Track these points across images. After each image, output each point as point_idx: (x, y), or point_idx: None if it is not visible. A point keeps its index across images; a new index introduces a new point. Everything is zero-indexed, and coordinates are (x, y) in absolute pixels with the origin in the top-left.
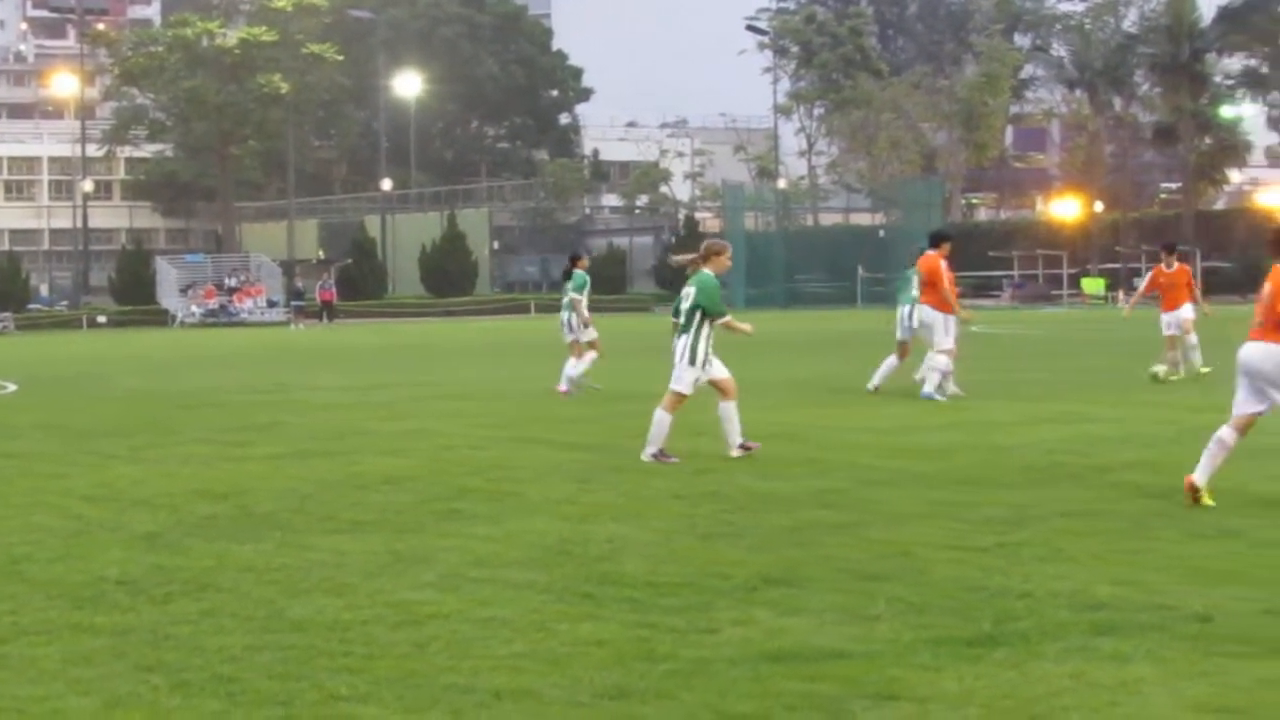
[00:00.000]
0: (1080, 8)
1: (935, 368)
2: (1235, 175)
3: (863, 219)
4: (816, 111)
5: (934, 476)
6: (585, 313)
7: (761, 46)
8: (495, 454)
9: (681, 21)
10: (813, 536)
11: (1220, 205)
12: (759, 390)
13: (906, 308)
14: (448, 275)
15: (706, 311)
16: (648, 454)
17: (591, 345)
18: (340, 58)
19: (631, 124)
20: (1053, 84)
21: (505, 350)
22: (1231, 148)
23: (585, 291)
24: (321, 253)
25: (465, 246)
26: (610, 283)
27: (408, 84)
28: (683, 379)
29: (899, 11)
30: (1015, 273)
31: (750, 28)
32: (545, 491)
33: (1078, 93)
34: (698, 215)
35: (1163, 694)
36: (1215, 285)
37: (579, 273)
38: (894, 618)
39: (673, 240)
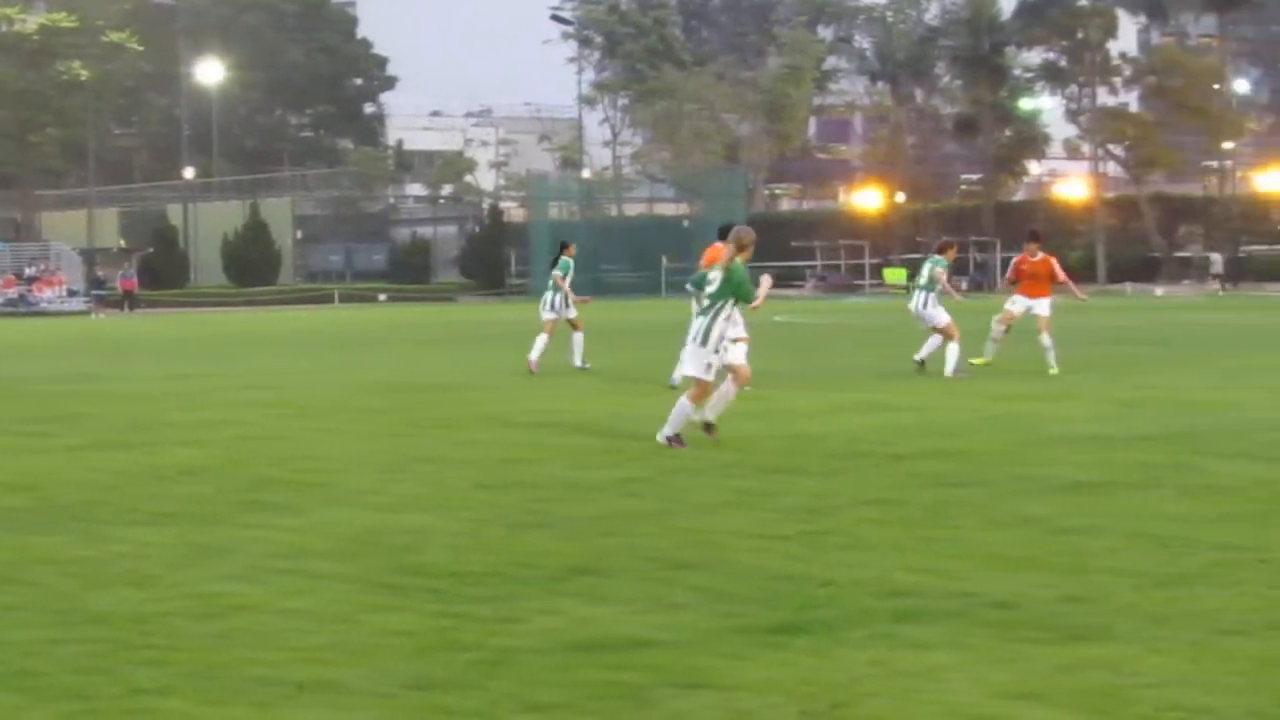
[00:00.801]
0: (883, 0)
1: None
2: (1034, 167)
3: (667, 209)
4: (621, 102)
5: (738, 465)
6: (567, 289)
7: (566, 36)
8: (298, 444)
9: (487, 10)
10: (618, 526)
11: (1020, 197)
12: (563, 380)
13: (920, 295)
14: (250, 265)
15: (739, 299)
16: (663, 435)
17: (573, 324)
18: (140, 48)
19: (436, 113)
20: (856, 76)
21: (308, 341)
22: (1031, 140)
23: (569, 274)
24: (123, 241)
25: (268, 236)
26: (414, 273)
27: (210, 71)
28: (696, 361)
29: (703, 2)
30: (818, 263)
31: (555, 18)
32: (350, 482)
33: (880, 85)
34: (502, 205)
35: (964, 680)
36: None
37: (565, 258)
38: (699, 606)
39: (477, 230)
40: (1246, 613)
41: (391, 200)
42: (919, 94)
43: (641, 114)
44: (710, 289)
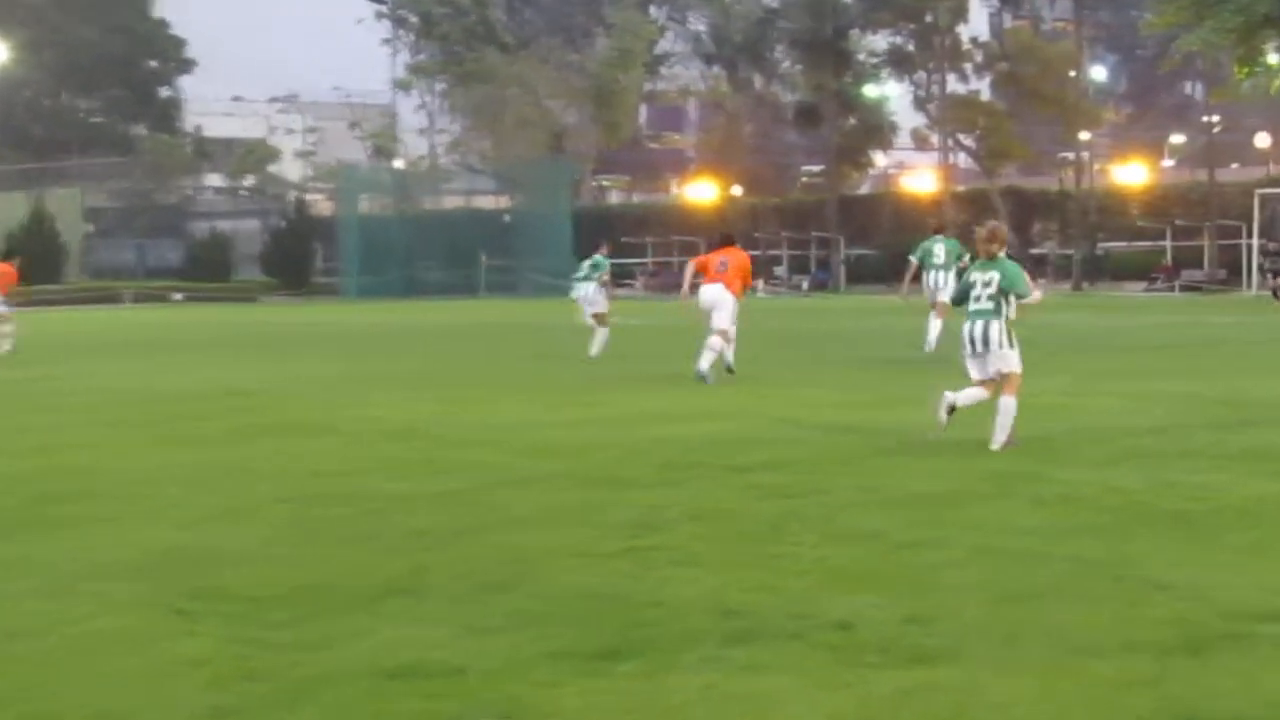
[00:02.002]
0: None
1: (712, 348)
2: (880, 158)
3: (486, 202)
4: (438, 87)
5: (563, 477)
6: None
7: (379, 16)
8: (92, 455)
9: None
10: (431, 543)
11: (865, 190)
12: (374, 386)
13: (933, 274)
14: (33, 261)
15: (1018, 294)
16: (1000, 443)
17: (600, 319)
18: None
19: (238, 98)
20: (690, 60)
21: (99, 344)
22: (876, 130)
23: (604, 270)
24: None
25: (54, 229)
26: (212, 270)
27: None
28: (1015, 360)
29: None
30: (649, 260)
31: None
32: (147, 495)
33: (716, 69)
34: (309, 197)
35: (801, 705)
36: (859, 274)
37: (600, 257)
38: (517, 629)
39: (281, 224)
40: (1101, 631)
41: (189, 192)
42: (757, 80)
43: (460, 100)
44: (988, 290)
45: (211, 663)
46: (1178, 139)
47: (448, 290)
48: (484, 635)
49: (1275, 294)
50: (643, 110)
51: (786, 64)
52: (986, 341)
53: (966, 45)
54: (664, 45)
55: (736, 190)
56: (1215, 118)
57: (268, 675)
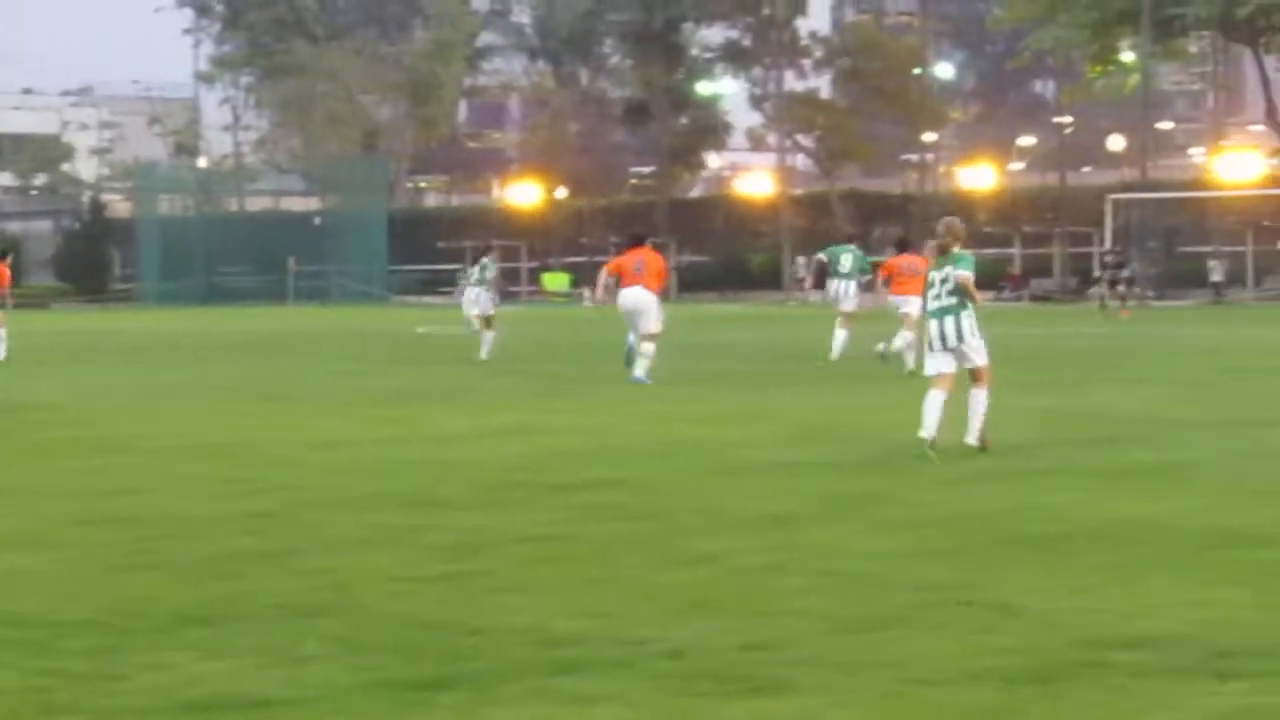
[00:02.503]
0: None
1: (646, 354)
2: (713, 159)
3: (295, 204)
4: (244, 80)
5: (378, 497)
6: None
7: (181, 3)
8: None
9: None
10: (238, 568)
11: (697, 192)
12: (177, 399)
13: (838, 282)
14: None
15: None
16: (976, 435)
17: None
18: None
19: (28, 91)
20: (513, 53)
21: None
22: (710, 128)
23: (493, 272)
24: None
25: None
26: None
27: None
28: (984, 351)
29: None
30: (468, 266)
31: None
32: None
33: (540, 63)
34: (105, 198)
35: None
36: (692, 281)
37: (487, 260)
38: (328, 659)
39: (75, 226)
40: (946, 660)
41: None
42: (584, 75)
43: (267, 94)
44: (948, 286)
45: (4, 694)
46: (1027, 140)
47: (254, 296)
48: (295, 665)
49: (1102, 303)
50: (462, 106)
51: (615, 58)
52: (960, 335)
53: (805, 40)
54: (485, 38)
55: (561, 192)
56: (1067, 118)
57: (65, 708)
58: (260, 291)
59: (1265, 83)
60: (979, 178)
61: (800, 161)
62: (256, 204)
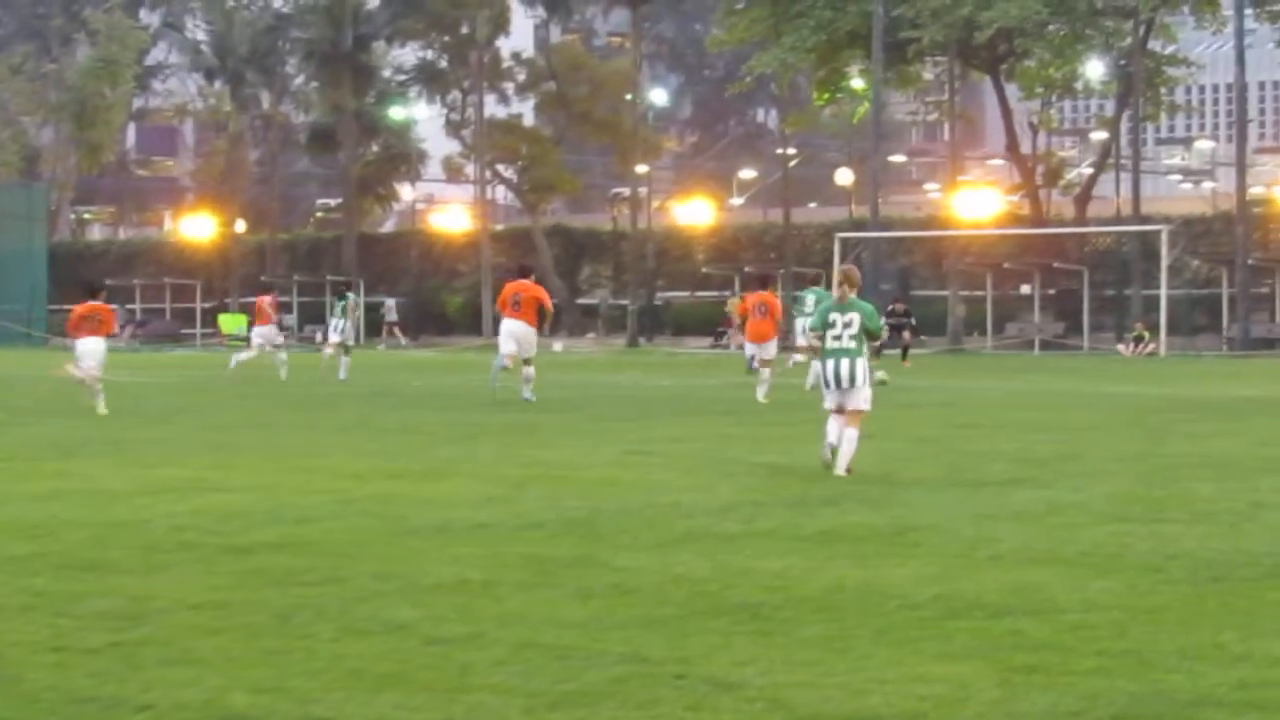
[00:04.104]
0: None
1: (529, 378)
2: (407, 191)
3: None
4: None
5: (32, 560)
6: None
7: None
8: None
9: None
10: None
11: (389, 227)
12: None
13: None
14: None
15: (873, 335)
16: (845, 470)
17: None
18: None
19: None
20: (187, 73)
21: None
22: (402, 157)
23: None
24: None
25: None
26: None
27: None
28: (868, 400)
29: None
30: (138, 305)
31: None
32: None
33: (217, 84)
34: None
35: None
36: (381, 324)
37: (350, 294)
38: None
39: None
40: None
41: None
42: (265, 97)
43: None
44: (852, 330)
45: None
46: (749, 173)
47: None
48: None
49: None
50: (131, 130)
51: (299, 79)
52: (852, 380)
53: (507, 61)
54: (157, 55)
55: (240, 225)
56: (791, 150)
57: None
58: None
59: (1006, 113)
60: (696, 214)
61: (501, 194)
62: None
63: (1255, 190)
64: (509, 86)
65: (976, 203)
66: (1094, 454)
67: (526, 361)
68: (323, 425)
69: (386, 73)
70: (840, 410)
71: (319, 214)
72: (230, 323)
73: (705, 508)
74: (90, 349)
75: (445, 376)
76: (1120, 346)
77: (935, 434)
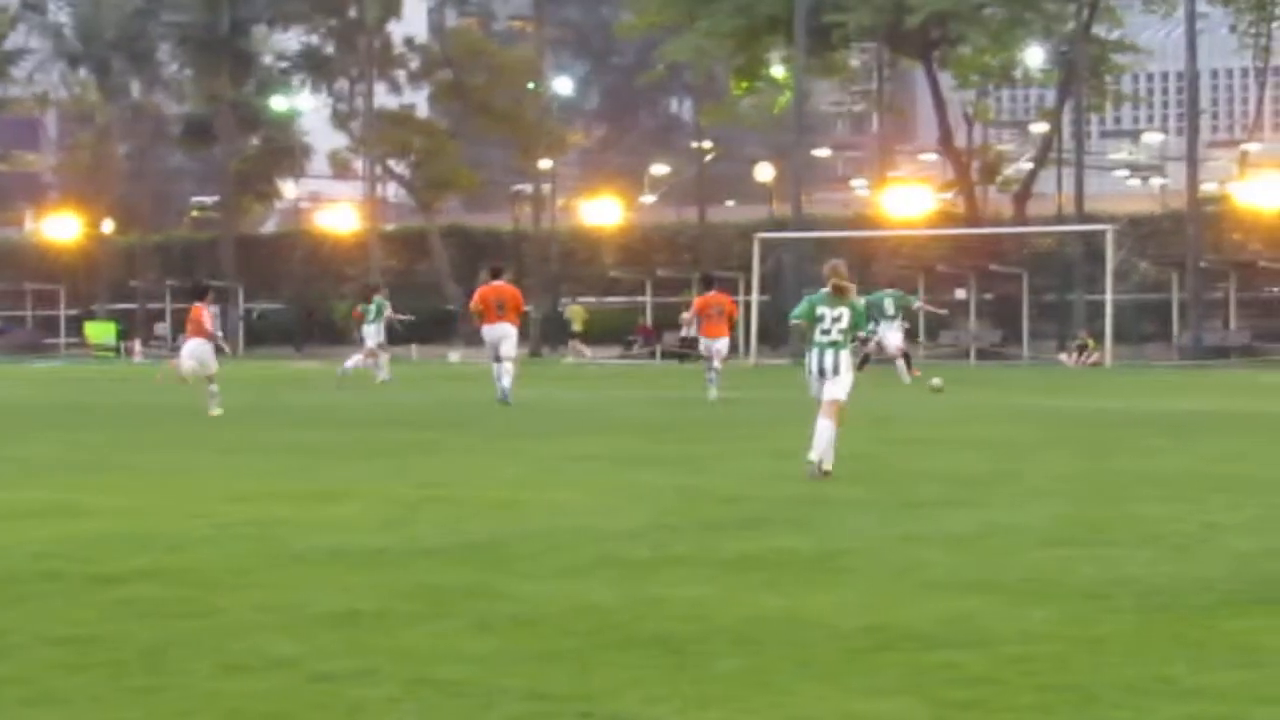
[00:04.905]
0: None
1: (509, 372)
2: (290, 188)
3: None
4: None
5: None
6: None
7: None
8: None
9: None
10: None
11: (271, 227)
12: None
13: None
14: None
15: (859, 329)
16: (826, 469)
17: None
18: None
19: None
20: (50, 59)
21: None
22: (285, 151)
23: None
24: None
25: None
26: None
27: None
28: (846, 389)
29: None
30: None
31: None
32: None
33: (83, 72)
34: None
35: None
36: (263, 334)
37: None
38: None
39: None
40: None
41: None
42: (135, 87)
43: None
44: (842, 324)
45: None
46: (661, 169)
47: None
48: None
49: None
50: None
51: (173, 67)
52: (837, 369)
53: (399, 48)
54: (16, 40)
55: (108, 225)
56: (707, 144)
57: None
58: None
59: (939, 104)
60: (604, 213)
61: (393, 192)
62: None
63: (1208, 187)
64: (401, 75)
65: (907, 201)
66: (1034, 472)
67: (509, 359)
68: (201, 444)
69: (268, 60)
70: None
71: (194, 213)
72: (98, 331)
73: (614, 531)
74: None
75: (333, 392)
76: (1063, 356)
77: (864, 450)
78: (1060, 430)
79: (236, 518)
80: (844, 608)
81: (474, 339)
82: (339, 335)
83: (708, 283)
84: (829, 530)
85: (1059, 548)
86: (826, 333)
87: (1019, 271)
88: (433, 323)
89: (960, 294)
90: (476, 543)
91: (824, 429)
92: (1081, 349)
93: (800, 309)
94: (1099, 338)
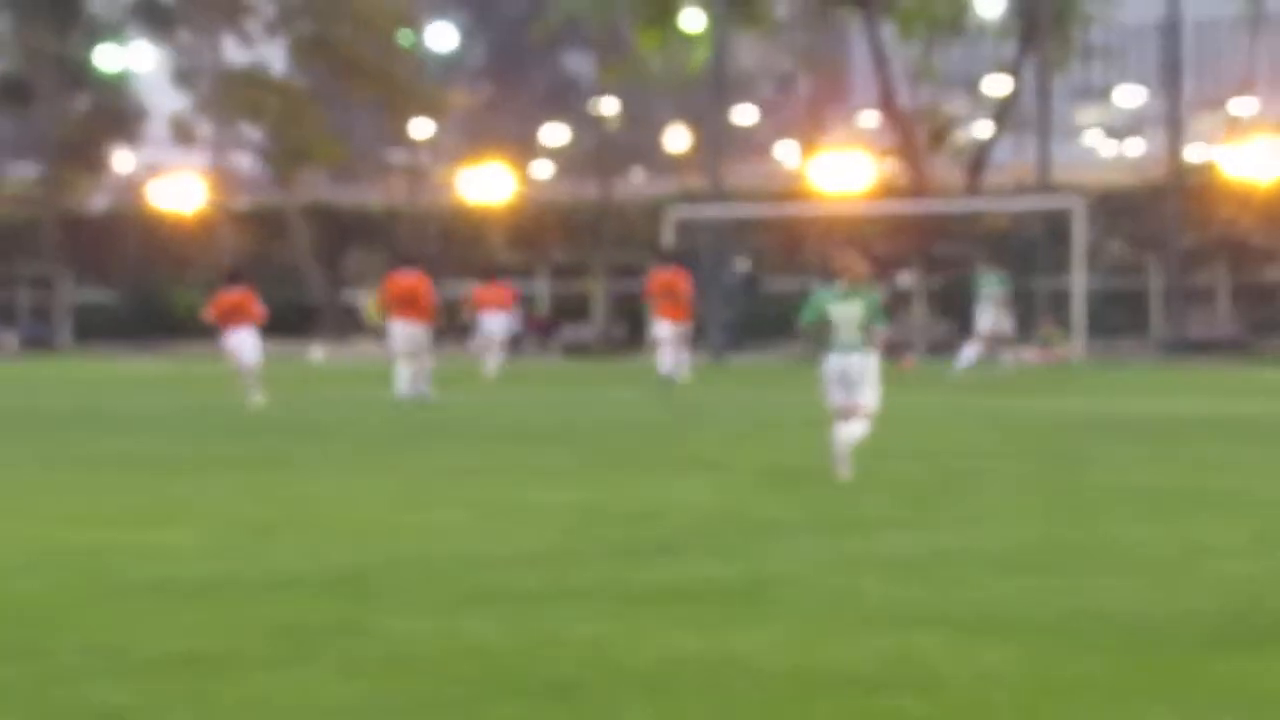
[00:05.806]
0: None
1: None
2: (125, 160)
3: None
4: None
5: None
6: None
7: None
8: None
9: None
10: None
11: (101, 205)
12: None
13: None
14: None
15: (876, 324)
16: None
17: None
18: None
19: None
20: None
21: None
22: (117, 116)
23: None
24: None
25: None
26: None
27: None
28: (875, 398)
29: None
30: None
31: None
32: None
33: None
34: None
35: None
36: (91, 327)
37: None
38: None
39: None
40: None
41: None
42: None
43: None
44: (854, 323)
45: None
46: (557, 136)
47: None
48: None
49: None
50: None
51: None
52: (862, 373)
53: None
54: None
55: None
56: (611, 107)
57: None
58: None
59: (879, 60)
60: (491, 186)
61: (246, 164)
62: None
63: (1191, 155)
64: (253, 26)
65: (842, 170)
66: (991, 487)
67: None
68: (14, 459)
69: (96, 9)
70: (846, 416)
71: (9, 190)
72: None
73: (503, 559)
74: None
75: (173, 394)
76: (1023, 351)
77: (795, 463)
78: (1021, 437)
79: (60, 543)
80: (772, 647)
81: (339, 333)
82: (180, 329)
83: (663, 260)
84: (755, 556)
85: (1021, 576)
86: (844, 335)
87: (972, 253)
88: (294, 313)
89: (904, 279)
90: (341, 572)
91: (846, 434)
92: (1045, 343)
93: (807, 312)
94: (1065, 330)
